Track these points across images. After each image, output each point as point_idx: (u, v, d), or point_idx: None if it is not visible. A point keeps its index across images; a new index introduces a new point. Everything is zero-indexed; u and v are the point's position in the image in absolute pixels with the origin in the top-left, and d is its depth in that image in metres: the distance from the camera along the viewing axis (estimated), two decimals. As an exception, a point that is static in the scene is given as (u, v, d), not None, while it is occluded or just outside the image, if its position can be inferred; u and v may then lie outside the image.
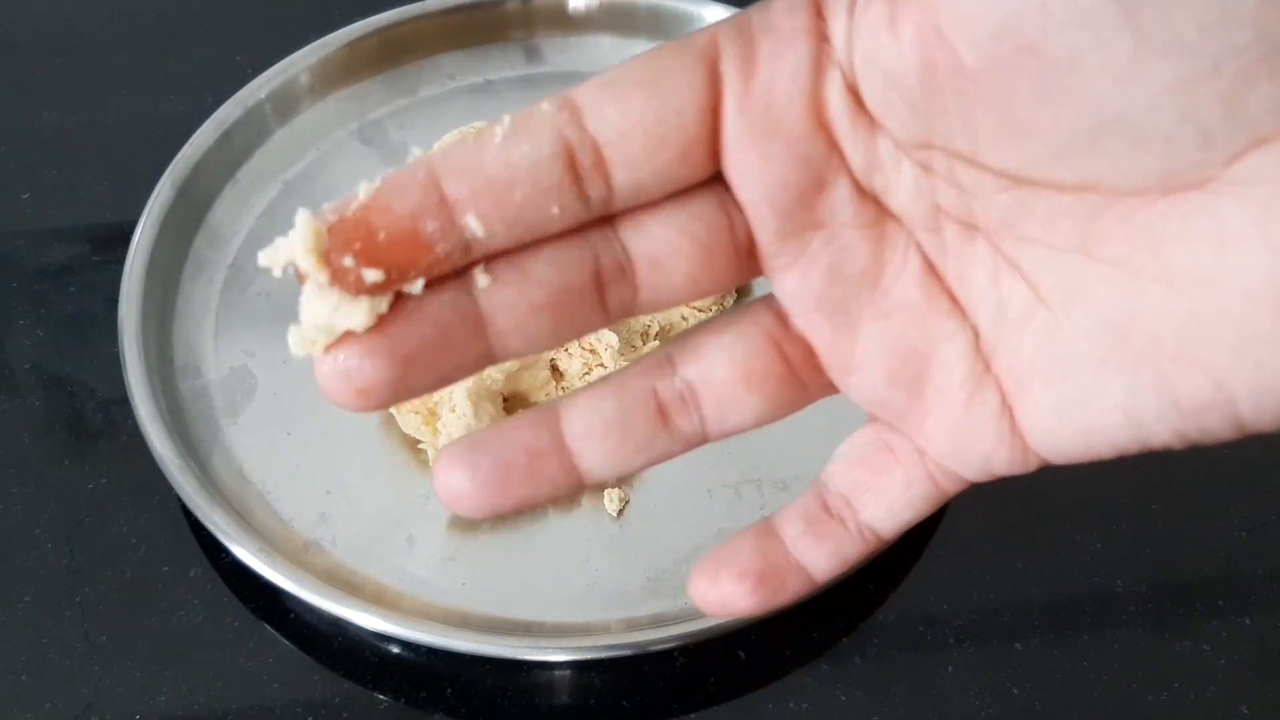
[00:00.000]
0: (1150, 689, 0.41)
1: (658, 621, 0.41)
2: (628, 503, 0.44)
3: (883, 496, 0.24)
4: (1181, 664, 0.41)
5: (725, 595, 0.24)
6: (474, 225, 0.20)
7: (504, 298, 0.21)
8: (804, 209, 0.22)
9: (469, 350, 0.21)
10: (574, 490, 0.23)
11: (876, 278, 0.22)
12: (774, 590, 0.24)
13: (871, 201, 0.22)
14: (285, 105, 0.53)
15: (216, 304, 0.48)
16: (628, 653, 0.40)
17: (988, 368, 0.22)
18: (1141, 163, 0.19)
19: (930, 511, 0.24)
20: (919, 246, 0.22)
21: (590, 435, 0.23)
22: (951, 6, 0.19)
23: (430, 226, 0.20)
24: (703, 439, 0.24)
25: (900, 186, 0.22)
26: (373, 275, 0.20)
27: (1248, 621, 0.42)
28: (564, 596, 0.42)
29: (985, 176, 0.21)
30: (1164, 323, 0.20)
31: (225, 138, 0.51)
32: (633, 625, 0.41)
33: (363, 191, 0.20)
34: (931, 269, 0.22)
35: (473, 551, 0.43)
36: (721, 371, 0.23)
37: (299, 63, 0.53)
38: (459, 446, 0.23)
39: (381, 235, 0.20)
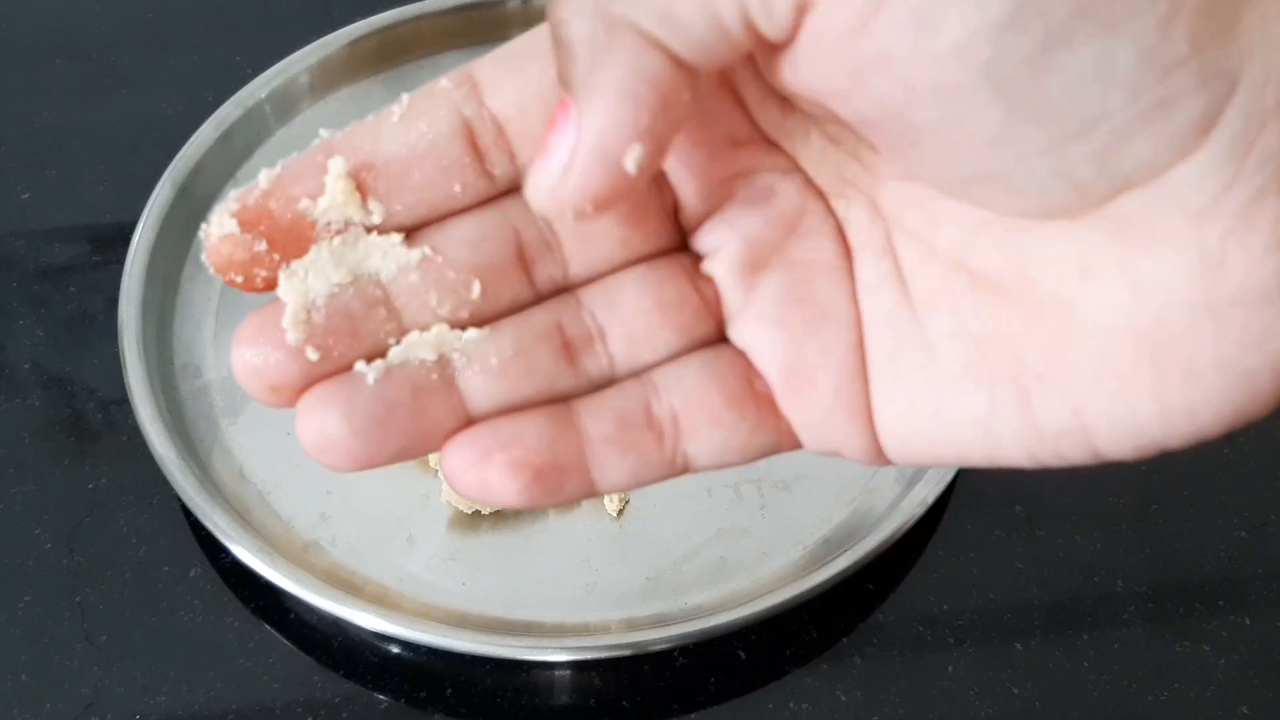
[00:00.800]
0: (1150, 689, 0.41)
1: (658, 621, 0.41)
2: (627, 503, 0.44)
3: (721, 432, 0.21)
4: (1181, 664, 0.41)
5: (491, 481, 0.20)
6: (371, 206, 0.20)
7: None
8: (718, 161, 0.21)
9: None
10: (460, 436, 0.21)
11: (793, 225, 0.22)
12: (547, 490, 0.21)
13: (783, 155, 0.22)
14: (285, 105, 0.53)
15: (217, 304, 0.48)
16: (627, 653, 0.40)
17: (862, 359, 0.21)
18: (1017, 203, 0.19)
19: (754, 460, 0.22)
20: (832, 211, 0.22)
21: (486, 372, 0.20)
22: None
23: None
24: (610, 378, 0.21)
25: (808, 148, 0.22)
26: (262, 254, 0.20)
27: (1248, 621, 0.42)
28: (564, 596, 0.42)
29: (881, 166, 0.21)
30: (1026, 343, 0.20)
31: (225, 138, 0.51)
32: (632, 625, 0.41)
33: (263, 178, 0.20)
34: (842, 239, 0.22)
35: (473, 551, 0.43)
36: (631, 301, 0.21)
37: (299, 63, 0.53)
38: (329, 386, 0.20)
39: (281, 219, 0.20)
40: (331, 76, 0.54)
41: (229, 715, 0.40)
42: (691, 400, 0.21)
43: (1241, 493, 0.45)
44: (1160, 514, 0.45)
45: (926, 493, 0.42)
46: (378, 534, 0.43)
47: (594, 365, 0.21)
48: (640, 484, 0.21)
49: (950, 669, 0.41)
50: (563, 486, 0.21)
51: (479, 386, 0.20)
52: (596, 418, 0.21)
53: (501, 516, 0.43)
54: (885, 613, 0.42)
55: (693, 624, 0.39)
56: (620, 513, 0.43)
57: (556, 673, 0.41)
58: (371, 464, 0.20)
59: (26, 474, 0.45)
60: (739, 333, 0.22)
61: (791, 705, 0.40)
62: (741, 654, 0.41)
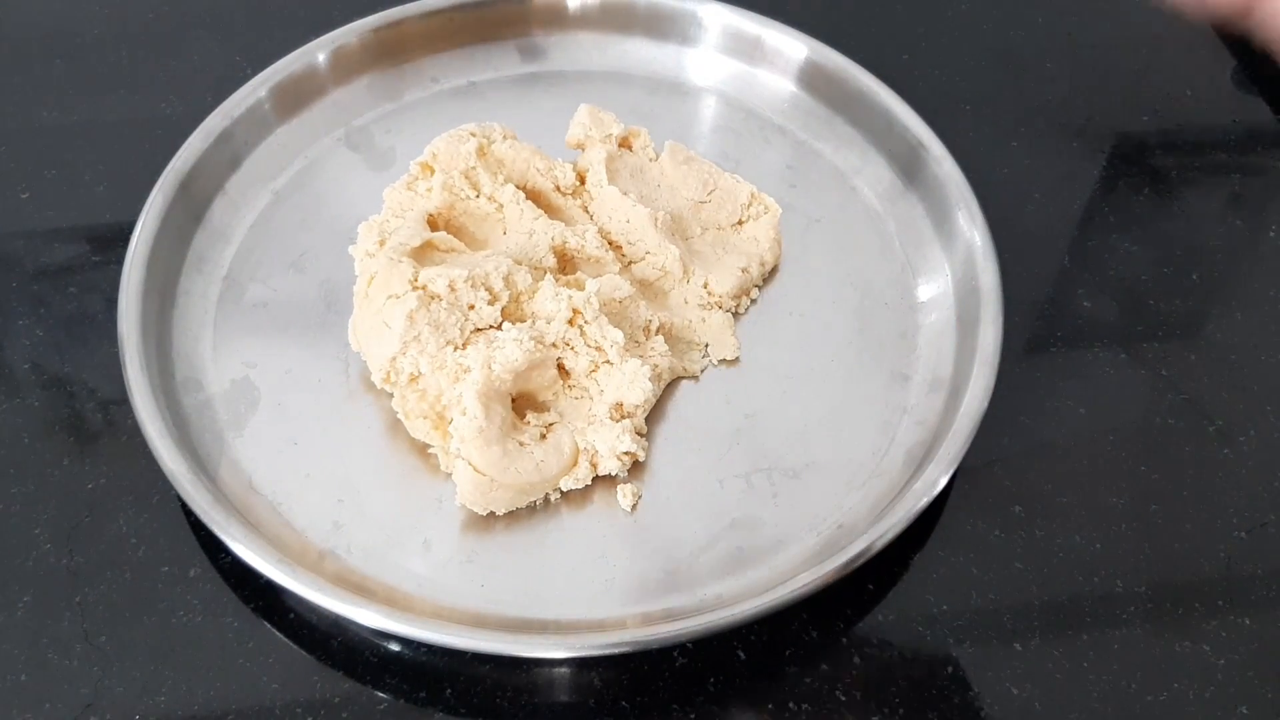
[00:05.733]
0: (1150, 689, 0.41)
1: (678, 615, 0.40)
2: (640, 497, 0.44)
3: None
4: (1181, 664, 0.41)
5: None
6: None
7: None
8: None
9: None
10: None
11: None
12: None
13: None
14: (285, 104, 0.53)
15: (213, 316, 0.48)
16: (653, 646, 0.40)
17: None
18: None
19: None
20: None
21: None
22: None
23: None
24: None
25: None
26: None
27: (1248, 621, 0.42)
28: (584, 593, 0.42)
29: None
30: None
31: (224, 138, 0.51)
32: (651, 620, 0.41)
33: None
34: None
35: (489, 553, 0.42)
36: None
37: (298, 62, 0.53)
38: None
39: None
40: (331, 75, 0.54)
41: (228, 715, 0.40)
42: None
43: (1241, 493, 0.45)
44: (1160, 514, 0.45)
45: (936, 474, 0.42)
46: (393, 540, 0.43)
47: None
48: None
49: (950, 669, 0.41)
50: None
51: None
52: None
53: (515, 517, 0.43)
54: (885, 613, 0.42)
55: (718, 614, 0.39)
56: (634, 507, 0.44)
57: (556, 672, 0.41)
58: None
59: (26, 474, 0.45)
60: None
61: (791, 705, 0.40)
62: (741, 654, 0.41)
